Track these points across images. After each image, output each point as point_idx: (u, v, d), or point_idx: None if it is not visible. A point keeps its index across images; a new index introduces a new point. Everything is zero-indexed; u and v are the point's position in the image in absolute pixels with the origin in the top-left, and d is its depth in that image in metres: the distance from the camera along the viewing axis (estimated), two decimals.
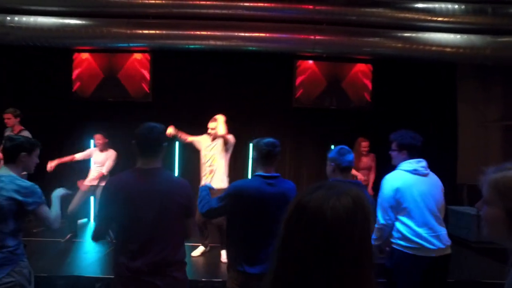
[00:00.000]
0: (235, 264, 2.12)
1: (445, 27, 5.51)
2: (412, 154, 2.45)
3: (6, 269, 1.91)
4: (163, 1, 5.28)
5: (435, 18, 5.37)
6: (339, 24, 5.47)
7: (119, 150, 4.80)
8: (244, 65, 5.90)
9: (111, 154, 4.68)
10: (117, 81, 5.72)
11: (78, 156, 4.67)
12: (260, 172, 2.15)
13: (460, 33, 5.50)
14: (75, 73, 5.72)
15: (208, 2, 5.29)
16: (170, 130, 3.85)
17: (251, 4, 5.29)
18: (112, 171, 4.57)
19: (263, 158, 2.16)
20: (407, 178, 2.40)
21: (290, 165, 5.95)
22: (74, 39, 5.34)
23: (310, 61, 5.87)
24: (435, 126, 6.03)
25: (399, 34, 5.49)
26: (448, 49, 5.46)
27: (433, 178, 2.48)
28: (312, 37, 5.35)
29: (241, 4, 5.27)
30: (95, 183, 4.55)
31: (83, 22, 5.29)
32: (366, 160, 4.89)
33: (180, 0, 5.29)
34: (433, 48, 5.47)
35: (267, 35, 5.37)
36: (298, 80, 5.84)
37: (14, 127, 4.75)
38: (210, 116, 5.85)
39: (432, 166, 5.46)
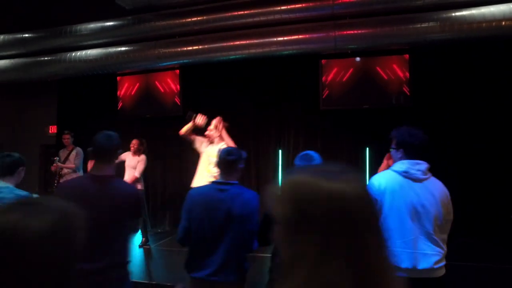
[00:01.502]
0: (187, 269, 2.14)
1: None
2: (409, 153, 2.06)
3: None
4: (187, 20, 5.63)
5: None
6: (363, 16, 5.03)
7: (158, 163, 5.25)
8: (270, 70, 5.86)
9: (141, 158, 5.08)
10: (153, 98, 6.26)
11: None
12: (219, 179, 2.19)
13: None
14: (120, 94, 6.46)
15: (227, 14, 5.44)
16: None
17: (269, 9, 5.25)
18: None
19: (219, 165, 2.19)
20: (394, 180, 2.02)
21: None
22: (115, 65, 6.04)
23: (338, 59, 5.48)
24: (500, 115, 5.01)
25: (436, 16, 4.76)
26: (504, 23, 4.51)
27: (432, 185, 2.01)
28: (332, 33, 5.02)
29: (258, 11, 5.26)
30: None
31: (123, 49, 5.97)
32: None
33: (201, 16, 5.56)
34: (483, 24, 4.59)
35: (285, 38, 5.23)
36: (324, 80, 5.51)
37: (69, 146, 5.68)
38: (238, 124, 6.01)
39: (502, 166, 4.50)
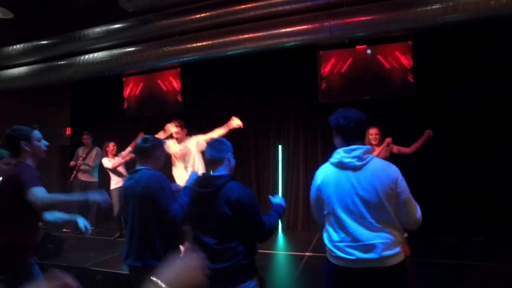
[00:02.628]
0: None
1: None
2: (346, 138, 1.90)
3: None
4: (186, 18, 5.70)
5: None
6: (360, 3, 4.83)
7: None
8: (268, 65, 5.80)
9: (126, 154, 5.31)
10: (156, 97, 6.41)
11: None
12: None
13: None
14: (125, 94, 6.67)
15: (223, 11, 5.44)
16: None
17: (266, 2, 5.18)
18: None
19: (136, 152, 2.25)
20: (330, 173, 1.90)
21: (322, 163, 5.45)
22: (120, 66, 6.24)
23: (336, 50, 5.30)
24: (503, 103, 4.60)
25: None
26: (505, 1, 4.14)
27: (370, 170, 1.81)
28: (327, 23, 4.86)
29: (252, 5, 5.22)
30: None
31: (127, 50, 6.16)
32: (380, 151, 4.07)
33: (199, 14, 5.60)
34: (492, 2, 4.24)
35: (281, 31, 5.12)
36: (323, 72, 5.35)
37: (88, 145, 6.06)
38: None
39: None
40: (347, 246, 1.80)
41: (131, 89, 6.69)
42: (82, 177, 5.97)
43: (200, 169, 4.23)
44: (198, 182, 2.00)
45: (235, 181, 1.94)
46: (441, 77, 4.89)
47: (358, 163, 1.82)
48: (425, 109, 4.93)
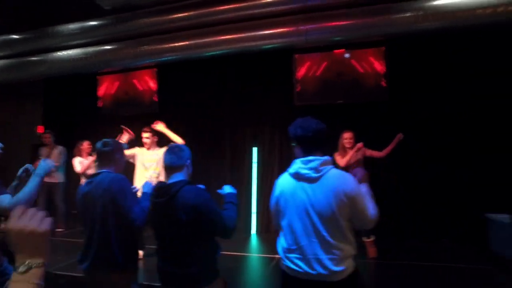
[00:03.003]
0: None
1: None
2: (304, 147, 1.87)
3: None
4: (163, 18, 5.64)
5: None
6: (337, 7, 4.89)
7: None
8: (245, 68, 5.80)
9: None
10: (131, 97, 6.33)
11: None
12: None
13: None
14: (100, 93, 6.54)
15: (201, 11, 5.41)
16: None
17: (240, 5, 5.18)
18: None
19: (97, 156, 2.21)
20: (287, 184, 1.87)
21: None
22: (95, 64, 6.10)
23: (312, 53, 5.35)
24: (479, 110, 4.76)
25: (416, 5, 4.56)
26: (480, 11, 4.29)
27: (327, 183, 1.76)
28: (302, 27, 4.90)
29: (228, 7, 5.21)
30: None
31: (102, 48, 6.04)
32: (351, 156, 4.13)
33: (177, 14, 5.55)
34: (458, 13, 4.38)
35: (258, 33, 5.13)
36: (298, 75, 5.39)
37: (50, 145, 5.82)
38: (212, 120, 5.97)
39: (482, 163, 4.29)
40: (296, 258, 1.78)
41: (106, 88, 6.57)
42: (46, 178, 5.74)
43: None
44: (154, 193, 1.96)
45: (189, 185, 1.91)
46: (413, 83, 5.02)
47: (314, 175, 1.77)
48: (396, 114, 5.04)
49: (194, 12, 5.43)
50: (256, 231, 5.48)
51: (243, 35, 5.19)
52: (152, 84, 6.20)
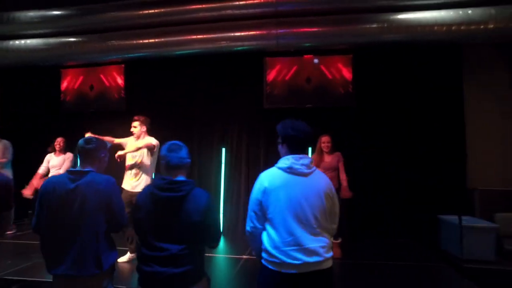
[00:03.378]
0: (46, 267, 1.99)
1: (436, 3, 4.73)
2: (293, 148, 1.98)
3: None
4: (134, 13, 5.48)
5: None
6: (308, 15, 5.04)
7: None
8: (216, 67, 5.78)
9: (68, 156, 5.00)
10: (97, 93, 6.07)
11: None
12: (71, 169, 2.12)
13: (455, 8, 4.65)
14: (63, 87, 6.22)
15: (172, 9, 5.33)
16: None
17: (214, 5, 5.18)
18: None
19: (79, 153, 2.11)
20: (278, 177, 1.94)
21: (264, 168, 5.57)
22: (59, 57, 5.80)
23: (282, 57, 5.47)
24: (436, 118, 5.12)
25: (380, 17, 4.83)
26: (436, 28, 4.63)
27: (317, 179, 1.96)
28: (274, 31, 5.00)
29: (201, 6, 5.19)
30: None
31: (66, 40, 5.75)
32: (329, 159, 4.28)
33: (148, 10, 5.42)
34: (418, 28, 4.70)
35: (229, 34, 5.16)
36: (268, 78, 5.48)
37: None
38: (182, 119, 5.89)
39: (436, 168, 4.64)
40: (293, 250, 1.84)
41: (69, 82, 6.25)
42: None
43: (147, 172, 3.99)
44: (160, 186, 1.89)
45: (198, 188, 1.93)
46: (379, 91, 5.27)
47: (306, 171, 1.93)
48: (362, 120, 5.26)
49: (166, 9, 5.35)
50: (223, 231, 5.48)
51: (216, 35, 5.19)
52: (120, 81, 6.00)
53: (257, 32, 5.07)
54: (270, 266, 1.89)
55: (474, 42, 4.86)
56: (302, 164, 1.92)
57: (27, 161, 5.57)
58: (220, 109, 5.74)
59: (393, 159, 5.16)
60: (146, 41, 5.47)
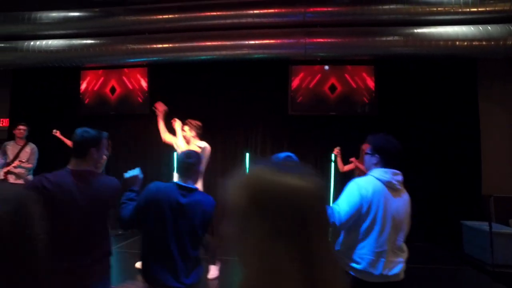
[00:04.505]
0: (149, 276, 2.02)
1: (455, 19, 4.97)
2: (385, 160, 2.07)
3: None
4: (158, 17, 5.50)
5: (441, 9, 4.88)
6: (333, 25, 5.20)
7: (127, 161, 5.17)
8: (240, 73, 5.86)
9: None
10: (119, 95, 6.03)
11: None
12: (178, 182, 2.13)
13: (473, 24, 4.90)
14: (83, 89, 6.16)
15: (198, 14, 5.39)
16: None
17: (240, 12, 5.27)
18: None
19: (179, 168, 2.15)
20: (380, 190, 2.01)
21: None
22: (80, 58, 5.75)
23: (307, 66, 5.61)
24: (453, 129, 5.37)
25: (401, 31, 5.04)
26: (458, 43, 4.87)
27: (404, 196, 2.05)
28: (302, 40, 5.13)
29: (231, 13, 5.27)
30: None
31: (88, 41, 5.70)
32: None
33: (173, 14, 5.46)
34: (441, 43, 4.93)
35: (257, 41, 5.27)
36: (293, 85, 5.61)
37: (21, 140, 5.28)
38: (206, 125, 5.91)
39: (453, 176, 4.83)
40: (379, 261, 1.93)
41: (90, 84, 6.18)
42: (13, 179, 5.20)
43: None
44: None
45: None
46: (399, 100, 5.47)
47: (399, 187, 2.03)
48: (383, 128, 5.43)
49: (188, 15, 5.39)
50: None
51: (245, 42, 5.28)
52: (143, 84, 5.99)
53: (286, 41, 5.19)
54: (352, 273, 1.97)
55: (492, 57, 5.13)
56: (397, 181, 2.01)
57: (45, 164, 5.49)
58: (244, 114, 5.81)
59: (411, 167, 5.36)
60: (170, 45, 5.49)
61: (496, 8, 4.84)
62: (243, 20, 5.30)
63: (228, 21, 5.33)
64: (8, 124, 6.61)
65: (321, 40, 5.15)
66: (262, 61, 5.56)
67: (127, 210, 2.06)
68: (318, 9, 5.13)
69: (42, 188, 1.73)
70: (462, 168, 5.32)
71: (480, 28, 4.87)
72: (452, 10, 4.88)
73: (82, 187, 1.84)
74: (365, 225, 1.98)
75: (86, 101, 6.18)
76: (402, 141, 5.59)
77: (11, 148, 5.29)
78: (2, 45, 5.86)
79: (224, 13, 5.32)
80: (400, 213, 1.98)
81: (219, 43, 5.38)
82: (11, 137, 6.22)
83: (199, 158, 2.17)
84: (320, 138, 5.55)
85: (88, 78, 6.19)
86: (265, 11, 5.21)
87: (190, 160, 2.11)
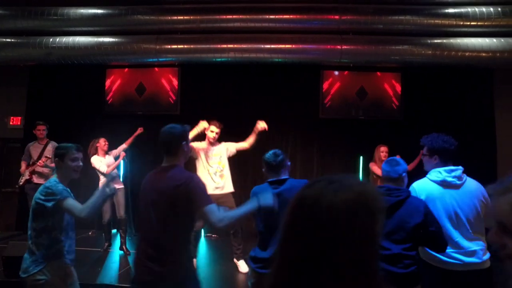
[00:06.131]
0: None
1: (479, 31, 5.30)
2: (445, 159, 2.24)
3: (39, 266, 1.99)
4: (191, 17, 5.48)
5: (467, 23, 5.18)
6: (365, 33, 5.40)
7: (147, 160, 5.05)
8: (272, 76, 5.94)
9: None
10: (147, 95, 5.94)
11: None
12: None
13: (496, 36, 5.25)
14: (108, 88, 6.00)
15: (234, 16, 5.42)
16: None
17: (278, 16, 5.36)
18: None
19: (269, 167, 2.31)
20: (433, 190, 2.20)
21: (317, 175, 5.83)
22: (108, 56, 5.61)
23: (337, 72, 5.78)
24: (471, 134, 5.70)
25: (429, 41, 5.32)
26: (483, 54, 5.22)
27: (467, 187, 2.19)
28: (338, 47, 5.30)
29: (268, 17, 5.35)
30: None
31: (116, 39, 5.58)
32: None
33: (207, 15, 5.46)
34: (467, 53, 5.25)
35: (294, 46, 5.38)
36: (324, 90, 5.76)
37: (43, 139, 5.14)
38: (235, 127, 5.95)
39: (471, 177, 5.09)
40: (453, 252, 2.13)
41: (115, 83, 6.02)
42: (37, 179, 5.06)
43: (229, 176, 4.11)
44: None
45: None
46: (422, 106, 5.75)
47: (458, 182, 2.19)
48: (408, 133, 5.70)
49: (221, 17, 5.41)
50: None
51: (282, 46, 5.37)
52: (174, 84, 5.91)
53: (322, 47, 5.33)
54: (434, 264, 2.17)
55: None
56: (454, 176, 2.19)
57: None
58: (274, 117, 5.86)
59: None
60: (206, 46, 5.48)
61: None
62: (279, 25, 5.40)
63: (265, 24, 5.41)
64: (20, 123, 6.32)
65: (355, 47, 5.34)
66: (294, 65, 5.67)
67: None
68: (351, 17, 5.31)
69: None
70: (478, 169, 5.63)
71: (502, 40, 5.23)
72: (476, 24, 5.21)
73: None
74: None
75: (111, 101, 6.02)
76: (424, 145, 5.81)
77: (34, 148, 5.14)
78: (25, 40, 5.62)
79: (261, 16, 5.38)
80: (464, 204, 2.15)
81: (256, 46, 5.43)
82: (28, 136, 5.99)
83: (285, 155, 2.35)
84: (348, 141, 5.71)
85: (112, 77, 6.03)
86: (300, 16, 5.33)
87: (279, 158, 2.29)
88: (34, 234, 2.06)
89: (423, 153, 2.36)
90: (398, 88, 5.74)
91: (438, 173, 2.22)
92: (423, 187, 2.25)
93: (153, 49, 5.57)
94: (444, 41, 5.30)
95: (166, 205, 1.79)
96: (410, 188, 2.23)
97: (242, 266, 3.94)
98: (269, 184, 2.25)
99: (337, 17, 5.28)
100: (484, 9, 5.15)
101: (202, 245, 5.43)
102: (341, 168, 5.69)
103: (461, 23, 5.21)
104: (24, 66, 6.01)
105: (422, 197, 2.19)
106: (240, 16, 5.43)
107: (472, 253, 2.13)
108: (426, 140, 2.35)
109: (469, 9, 5.17)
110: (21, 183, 5.04)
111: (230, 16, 5.39)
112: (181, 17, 5.51)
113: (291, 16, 5.35)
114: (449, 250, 2.10)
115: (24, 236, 5.34)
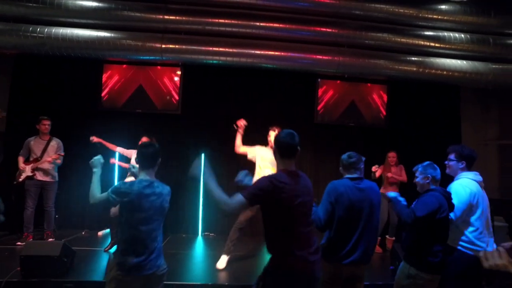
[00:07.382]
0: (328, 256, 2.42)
1: (452, 54, 6.08)
2: (470, 165, 2.76)
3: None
4: (196, 19, 5.56)
5: (443, 45, 5.94)
6: (357, 47, 5.91)
7: None
8: (270, 81, 6.21)
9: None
10: (146, 93, 5.86)
11: (119, 149, 5.01)
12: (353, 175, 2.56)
13: (466, 59, 6.08)
14: (105, 84, 5.82)
15: (239, 22, 5.61)
16: None
17: (282, 25, 5.64)
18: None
19: (347, 167, 2.61)
20: (477, 187, 2.70)
21: (310, 179, 6.19)
22: (108, 51, 5.46)
23: (332, 80, 6.24)
24: (442, 143, 6.48)
25: (412, 58, 5.98)
26: (456, 74, 6.00)
27: (484, 191, 2.80)
28: (336, 58, 5.74)
29: (272, 25, 5.62)
30: None
31: (119, 35, 5.45)
32: (394, 170, 5.20)
33: (212, 18, 5.57)
34: (444, 72, 5.99)
35: (295, 55, 5.71)
36: (319, 97, 6.18)
37: (46, 135, 4.90)
38: (231, 131, 6.10)
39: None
40: (490, 239, 2.70)
41: (112, 78, 5.84)
42: (41, 176, 4.85)
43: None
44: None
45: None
46: (407, 116, 6.43)
47: (483, 184, 2.78)
48: (393, 140, 6.33)
49: (236, 22, 5.58)
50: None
51: (285, 54, 5.66)
52: (175, 83, 5.89)
53: (321, 57, 5.73)
54: (468, 252, 2.65)
55: (476, 87, 6.39)
56: (480, 180, 2.77)
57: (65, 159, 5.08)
58: (271, 121, 6.13)
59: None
60: (221, 49, 5.56)
61: (480, 49, 6.08)
62: (276, 33, 5.66)
63: (268, 32, 5.66)
64: (2, 115, 5.83)
65: (350, 59, 5.82)
66: (291, 72, 6.01)
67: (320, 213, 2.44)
68: (347, 31, 5.78)
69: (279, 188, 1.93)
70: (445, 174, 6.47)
71: (471, 63, 6.08)
72: (450, 47, 5.98)
73: (301, 185, 2.07)
74: (478, 215, 2.65)
75: (108, 97, 5.83)
76: (405, 151, 6.49)
77: (35, 144, 4.86)
78: (14, 28, 5.24)
79: (261, 24, 5.62)
80: (488, 204, 2.73)
81: (260, 52, 5.64)
82: (10, 131, 5.63)
83: (359, 156, 2.62)
84: (341, 147, 6.14)
85: (108, 72, 5.85)
86: (300, 27, 5.68)
87: (353, 159, 2.57)
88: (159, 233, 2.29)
89: (450, 158, 2.81)
90: (385, 99, 6.35)
91: (475, 175, 2.74)
92: (471, 185, 2.68)
93: (156, 48, 5.53)
94: (425, 59, 6.01)
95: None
96: (458, 185, 2.67)
97: (222, 262, 4.02)
98: (350, 180, 2.51)
99: (335, 30, 5.72)
100: (457, 34, 5.95)
101: (199, 243, 5.51)
102: (332, 172, 6.09)
103: (438, 44, 5.96)
104: (10, 54, 5.59)
105: (473, 190, 2.64)
106: (244, 23, 5.63)
107: (492, 244, 2.71)
108: (455, 147, 2.83)
109: (446, 34, 5.94)
110: (20, 180, 4.73)
111: (232, 21, 5.57)
112: (186, 18, 5.55)
113: (292, 26, 5.68)
114: (485, 239, 2.65)
115: (14, 236, 4.99)
